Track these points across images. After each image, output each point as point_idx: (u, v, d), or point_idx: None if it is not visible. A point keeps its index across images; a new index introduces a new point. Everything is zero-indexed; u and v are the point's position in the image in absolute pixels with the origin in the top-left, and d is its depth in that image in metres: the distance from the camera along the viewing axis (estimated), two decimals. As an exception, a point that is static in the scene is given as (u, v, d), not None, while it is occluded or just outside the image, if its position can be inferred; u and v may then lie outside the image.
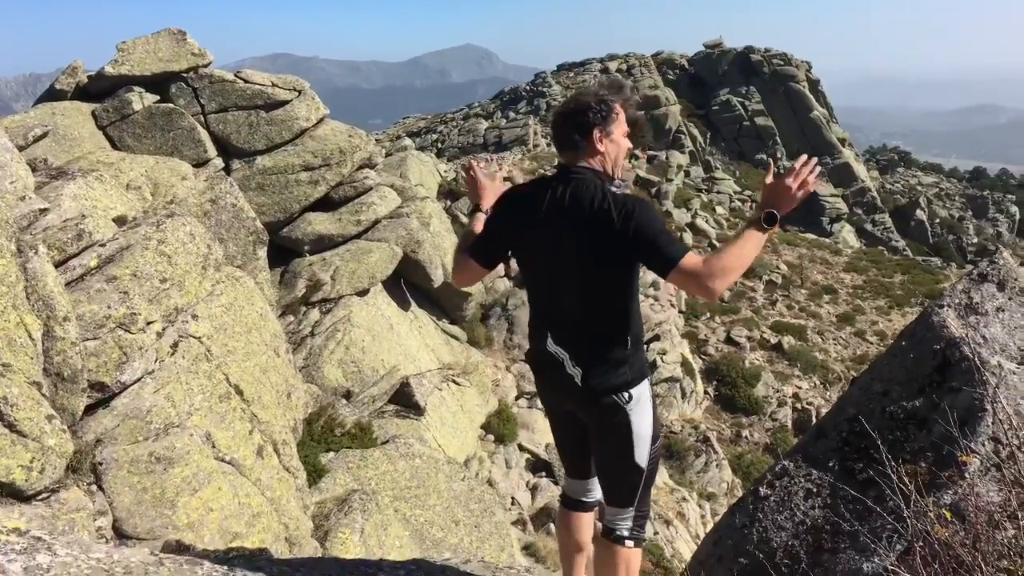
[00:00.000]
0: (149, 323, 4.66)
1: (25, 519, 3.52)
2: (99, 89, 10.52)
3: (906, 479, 2.17)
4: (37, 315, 4.09)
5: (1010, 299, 2.69)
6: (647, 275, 23.09)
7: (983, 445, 2.35)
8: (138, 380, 4.51)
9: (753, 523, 2.58)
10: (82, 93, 10.55)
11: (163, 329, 4.82)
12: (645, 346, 3.12)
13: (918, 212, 57.88)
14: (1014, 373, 2.50)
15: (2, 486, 3.48)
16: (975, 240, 57.45)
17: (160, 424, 4.48)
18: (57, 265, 4.66)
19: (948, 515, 1.97)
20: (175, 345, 4.86)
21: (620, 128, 2.91)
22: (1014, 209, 67.47)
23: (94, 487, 4.18)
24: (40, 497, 3.69)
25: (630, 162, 46.83)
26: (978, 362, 2.43)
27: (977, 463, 2.28)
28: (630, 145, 2.93)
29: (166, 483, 4.34)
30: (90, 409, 4.35)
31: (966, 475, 2.28)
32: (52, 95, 10.42)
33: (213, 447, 4.74)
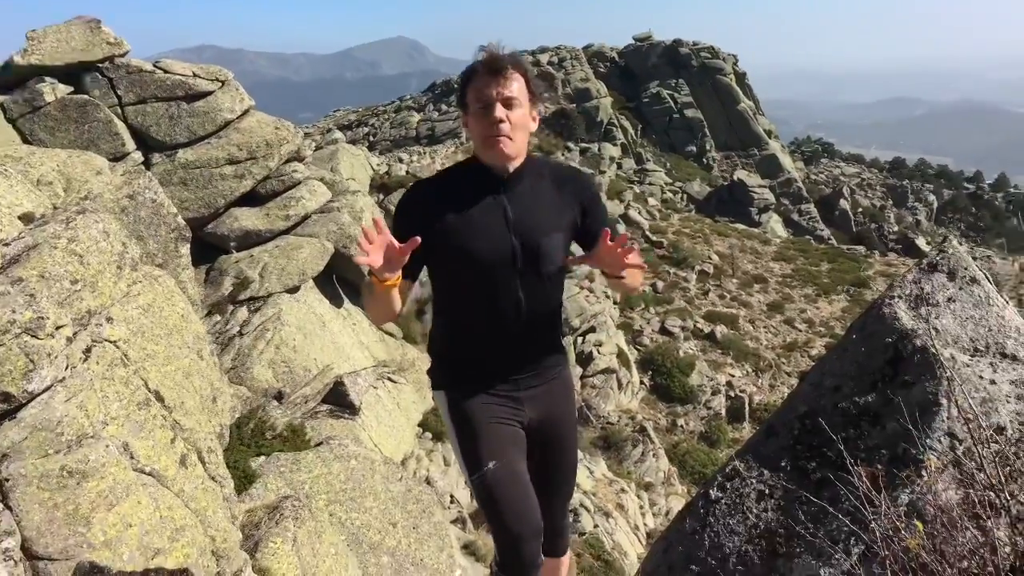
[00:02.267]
0: (59, 327, 4.35)
1: (-82, 546, 3.23)
2: (8, 80, 9.97)
3: (863, 478, 2.07)
4: (-69, 322, 3.77)
5: (960, 289, 2.63)
6: (582, 267, 23.13)
7: (939, 441, 2.28)
8: (47, 389, 4.20)
9: (704, 528, 2.47)
10: (-12, 84, 9.98)
11: (74, 334, 4.50)
12: (472, 353, 2.91)
13: (842, 202, 59.53)
14: (967, 365, 2.44)
15: None
16: (896, 228, 59.37)
17: (72, 435, 4.18)
18: (-45, 267, 4.32)
19: (920, 526, 1.88)
20: (88, 350, 4.55)
21: (471, 102, 2.66)
22: (932, 198, 70.05)
23: (0, 506, 3.88)
24: (-65, 521, 3.39)
25: (563, 154, 46.99)
26: (932, 355, 2.36)
27: (935, 460, 2.20)
28: (481, 108, 2.62)
29: (80, 498, 4.04)
30: (-6, 421, 4.03)
31: (923, 473, 2.20)
32: (-45, 86, 9.84)
33: (131, 458, 4.45)
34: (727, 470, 2.58)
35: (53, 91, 9.84)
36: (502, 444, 2.79)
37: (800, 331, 29.85)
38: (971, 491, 2.04)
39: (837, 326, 29.84)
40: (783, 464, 2.48)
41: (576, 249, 2.88)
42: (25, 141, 9.41)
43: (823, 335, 29.14)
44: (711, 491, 2.56)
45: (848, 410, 2.49)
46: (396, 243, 2.49)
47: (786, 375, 26.15)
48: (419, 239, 2.46)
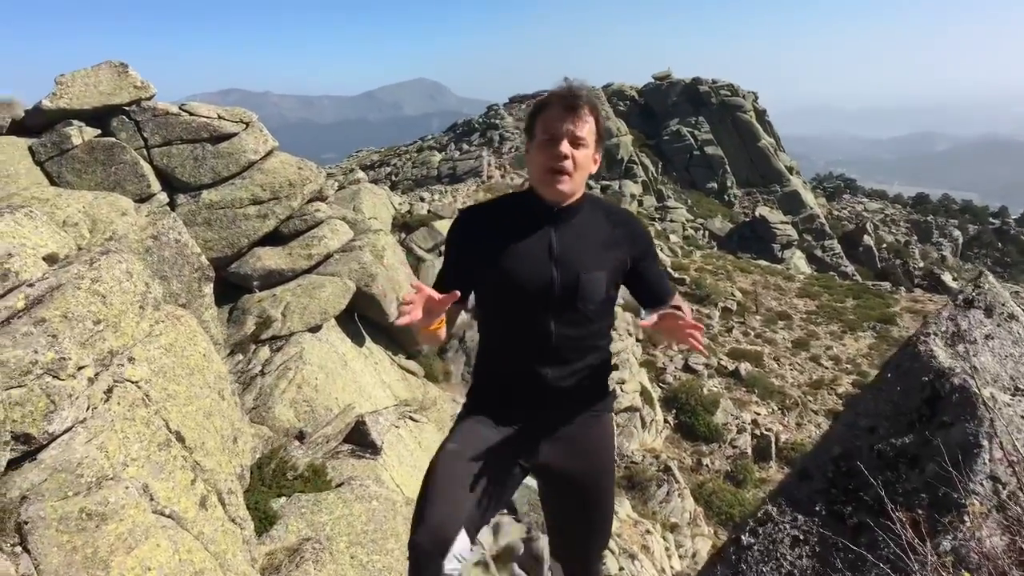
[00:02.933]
0: (80, 368, 4.34)
1: (-65, 591, 3.19)
2: (37, 124, 10.13)
3: (905, 524, 1.98)
4: (-47, 363, 3.77)
5: (999, 326, 2.55)
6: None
7: (982, 484, 2.19)
8: (68, 430, 4.18)
9: None
10: (19, 128, 10.13)
11: (96, 374, 4.49)
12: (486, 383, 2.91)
13: (865, 238, 59.08)
14: (1008, 405, 2.35)
15: (-92, 555, 3.14)
16: (921, 264, 58.76)
17: (92, 477, 4.15)
18: (-20, 308, 4.34)
19: (967, 575, 1.78)
20: (109, 391, 4.53)
21: (538, 132, 2.60)
22: (957, 233, 69.47)
23: (19, 548, 3.84)
24: (-47, 565, 3.35)
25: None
26: (972, 394, 2.28)
27: (978, 505, 2.11)
28: (547, 140, 2.56)
29: (99, 541, 4.00)
30: (15, 463, 4.01)
31: (966, 518, 2.11)
32: (-14, 130, 10.01)
33: (151, 500, 4.41)
34: (759, 515, 2.48)
35: (80, 134, 9.99)
36: (475, 443, 2.69)
37: (826, 368, 29.45)
38: (1017, 538, 1.95)
39: (864, 363, 29.44)
40: (817, 508, 2.39)
41: (623, 295, 2.86)
42: (53, 183, 9.53)
43: (850, 372, 28.73)
44: (743, 537, 2.46)
45: (885, 452, 2.40)
46: (435, 295, 2.46)
47: (813, 413, 25.74)
48: (458, 292, 2.45)
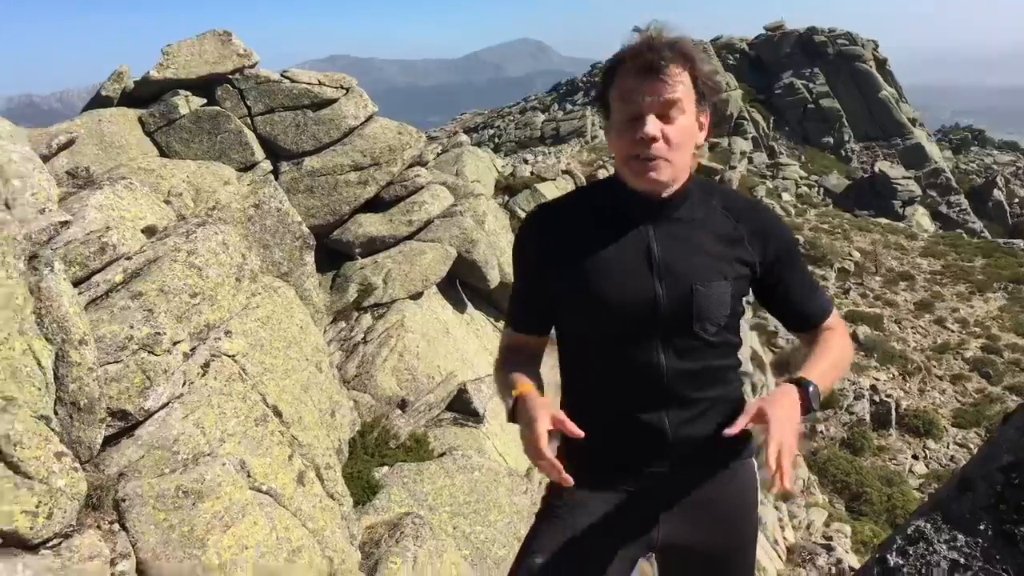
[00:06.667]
0: (176, 343, 4.28)
1: (31, 573, 3.16)
2: (146, 94, 10.32)
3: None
4: (50, 339, 3.74)
5: None
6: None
7: None
8: (165, 406, 4.14)
9: (883, 603, 2.04)
10: (129, 99, 10.35)
11: (192, 348, 4.43)
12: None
13: (995, 192, 55.39)
14: None
15: (4, 535, 3.11)
16: (1060, 219, 54.78)
17: (189, 454, 4.10)
18: (79, 282, 4.32)
19: None
20: (206, 365, 4.47)
21: (614, 107, 1.94)
22: (1099, 185, 64.27)
23: (116, 526, 3.82)
24: (49, 545, 3.31)
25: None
26: None
27: None
28: (626, 118, 1.90)
29: (195, 519, 3.94)
30: (113, 440, 3.99)
31: None
32: (99, 102, 10.26)
33: (248, 476, 4.34)
34: (909, 532, 2.12)
35: (187, 103, 10.12)
36: (568, 552, 2.08)
37: (952, 332, 27.86)
38: None
39: (994, 326, 27.75)
40: (982, 528, 2.00)
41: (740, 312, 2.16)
42: (162, 153, 9.71)
43: (978, 336, 27.11)
44: (889, 556, 2.10)
45: (1068, 460, 2.00)
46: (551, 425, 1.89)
47: (937, 379, 24.46)
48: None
